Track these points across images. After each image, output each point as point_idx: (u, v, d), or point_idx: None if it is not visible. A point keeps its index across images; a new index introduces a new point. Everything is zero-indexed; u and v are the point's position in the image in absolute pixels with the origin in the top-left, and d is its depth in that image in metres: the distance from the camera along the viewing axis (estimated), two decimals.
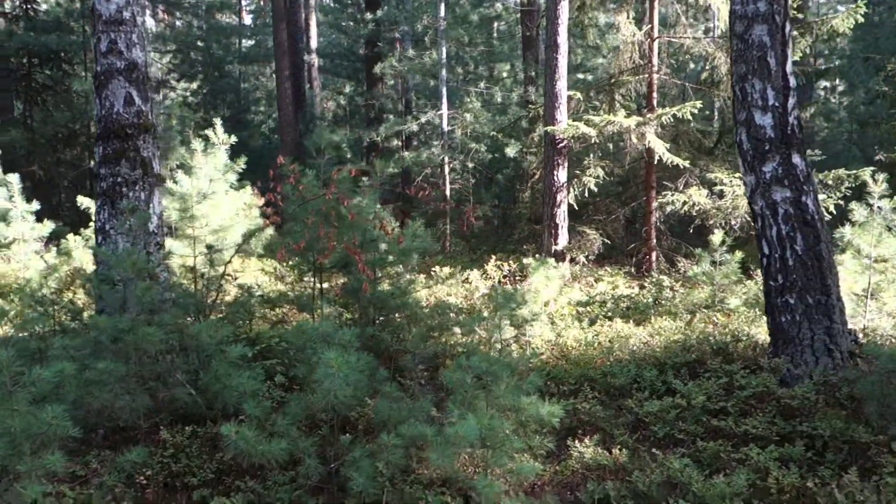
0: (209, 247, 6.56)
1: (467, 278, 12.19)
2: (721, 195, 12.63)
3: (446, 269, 12.54)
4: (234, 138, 13.26)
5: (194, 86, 23.57)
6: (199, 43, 24.18)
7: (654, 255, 13.80)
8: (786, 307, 6.34)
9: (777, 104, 6.22)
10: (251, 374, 5.44)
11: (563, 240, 13.08)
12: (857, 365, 5.98)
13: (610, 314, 9.76)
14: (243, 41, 28.93)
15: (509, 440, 4.95)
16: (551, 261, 9.12)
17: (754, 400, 5.97)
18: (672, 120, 12.45)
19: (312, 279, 7.33)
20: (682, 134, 14.11)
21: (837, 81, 21.74)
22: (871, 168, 12.67)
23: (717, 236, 9.20)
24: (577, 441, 5.56)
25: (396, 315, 7.39)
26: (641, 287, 12.11)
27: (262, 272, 8.63)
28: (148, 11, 23.89)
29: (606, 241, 13.51)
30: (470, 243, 16.95)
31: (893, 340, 7.47)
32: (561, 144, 12.87)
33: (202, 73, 22.87)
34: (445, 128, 15.64)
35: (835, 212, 11.79)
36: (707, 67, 14.26)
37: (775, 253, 6.34)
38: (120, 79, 6.12)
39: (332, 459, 5.16)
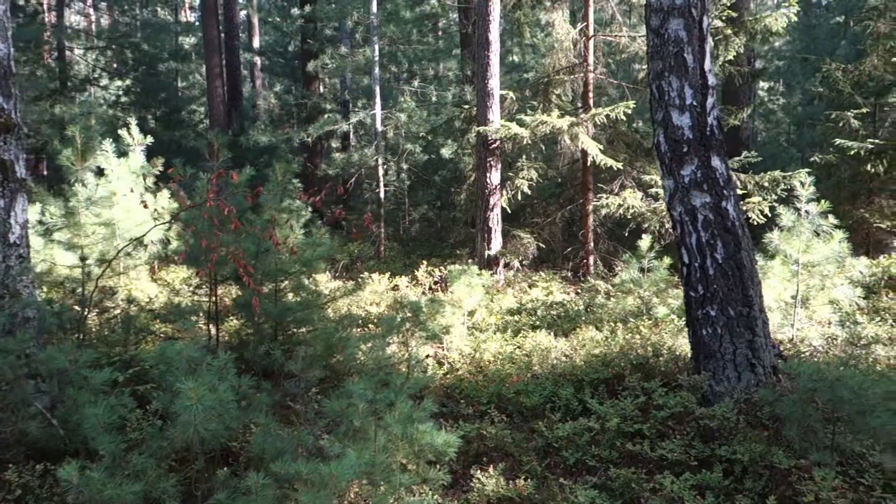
0: (82, 258, 5.93)
1: (395, 285, 11.68)
2: (656, 198, 12.33)
3: (376, 276, 12.01)
4: (150, 139, 12.57)
5: (125, 84, 22.61)
6: (132, 39, 23.22)
7: (591, 259, 13.45)
8: (706, 319, 5.96)
9: (695, 103, 5.84)
10: (116, 401, 4.86)
11: (496, 244, 12.64)
12: (780, 381, 5.63)
13: (538, 323, 9.34)
14: (185, 38, 27.99)
15: (395, 475, 4.46)
16: (474, 268, 8.64)
17: (672, 421, 5.58)
18: (606, 120, 12.10)
19: (208, 292, 6.74)
20: (619, 135, 13.78)
21: (776, 83, 21.75)
22: (807, 170, 12.52)
23: (644, 241, 8.84)
24: (481, 470, 5.10)
25: (301, 330, 6.85)
26: (577, 293, 11.75)
27: (158, 283, 8.00)
28: (75, 6, 22.87)
29: (541, 245, 13.11)
30: (406, 247, 16.44)
31: (821, 351, 7.18)
32: (493, 145, 12.43)
33: (134, 71, 21.91)
34: (379, 128, 15.08)
35: (770, 215, 11.58)
36: (644, 67, 13.98)
37: (695, 262, 5.96)
38: None
39: (201, 500, 4.61)
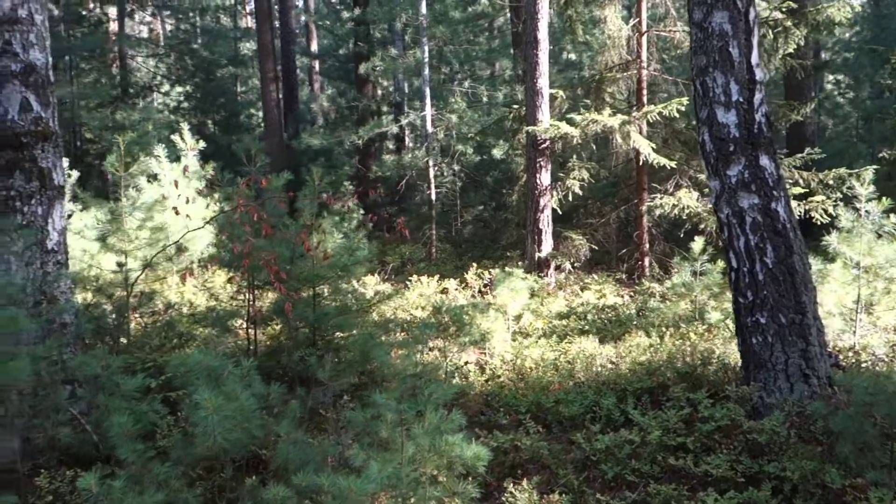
0: (119, 263, 5.99)
1: (445, 289, 11.57)
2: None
3: (424, 279, 11.93)
4: (202, 144, 12.76)
5: (185, 89, 23.13)
6: (193, 46, 23.74)
7: (646, 260, 13.10)
8: (756, 327, 5.66)
9: (742, 99, 5.55)
10: (148, 407, 4.88)
11: (547, 246, 12.41)
12: (836, 393, 5.29)
13: (587, 328, 9.10)
14: (243, 44, 28.48)
15: (422, 488, 4.34)
16: (518, 271, 8.47)
17: (719, 434, 5.30)
18: (660, 118, 11.75)
19: (247, 297, 6.74)
20: (674, 133, 13.38)
21: (844, 76, 20.81)
22: (875, 166, 11.92)
23: (697, 243, 8.51)
24: (514, 483, 4.94)
25: (340, 335, 6.79)
26: (630, 296, 11.44)
27: (198, 288, 8.07)
28: (137, 17, 23.51)
29: (594, 246, 12.81)
30: (458, 249, 16.32)
31: (884, 360, 6.78)
32: (543, 145, 12.21)
33: (193, 77, 22.38)
34: (429, 129, 14.99)
35: (834, 214, 11.05)
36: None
37: (744, 266, 5.67)
38: (15, 83, 5.55)
39: None
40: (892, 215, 7.03)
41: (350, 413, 4.33)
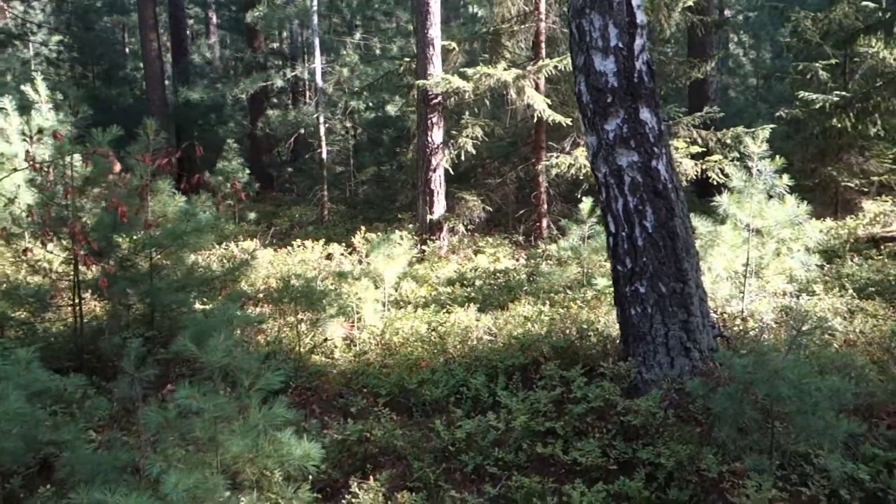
0: None
1: (329, 254, 10.83)
2: None
3: (309, 243, 11.14)
4: (59, 95, 11.51)
5: (63, 40, 21.25)
6: None
7: (544, 222, 12.66)
8: (635, 297, 5.17)
9: (621, 45, 4.96)
10: None
11: (439, 207, 11.78)
12: (716, 368, 4.86)
13: (474, 295, 8.54)
14: None
15: (240, 499, 3.66)
16: (395, 235, 7.78)
17: (592, 416, 4.80)
18: (557, 72, 11.19)
19: (74, 270, 5.83)
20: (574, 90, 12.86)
21: (745, 35, 20.77)
22: (772, 125, 11.73)
23: (585, 204, 8.01)
24: (365, 478, 4.32)
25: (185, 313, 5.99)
26: (525, 260, 10.96)
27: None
28: None
29: (488, 208, 12.26)
30: (354, 211, 15.54)
31: (774, 326, 6.44)
32: (434, 101, 11.50)
33: (69, 25, 20.57)
34: (319, 83, 14.04)
35: (729, 174, 10.79)
36: None
37: (622, 231, 5.15)
38: None
39: None
40: (784, 175, 6.66)
41: (149, 411, 3.58)
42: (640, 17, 5.02)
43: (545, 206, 12.67)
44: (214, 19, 27.63)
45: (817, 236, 6.90)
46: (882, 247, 10.24)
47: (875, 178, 12.90)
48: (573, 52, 5.20)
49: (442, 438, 4.62)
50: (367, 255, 9.22)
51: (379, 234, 8.35)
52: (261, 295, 8.24)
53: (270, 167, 18.82)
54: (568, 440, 4.64)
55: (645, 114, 5.01)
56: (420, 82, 11.20)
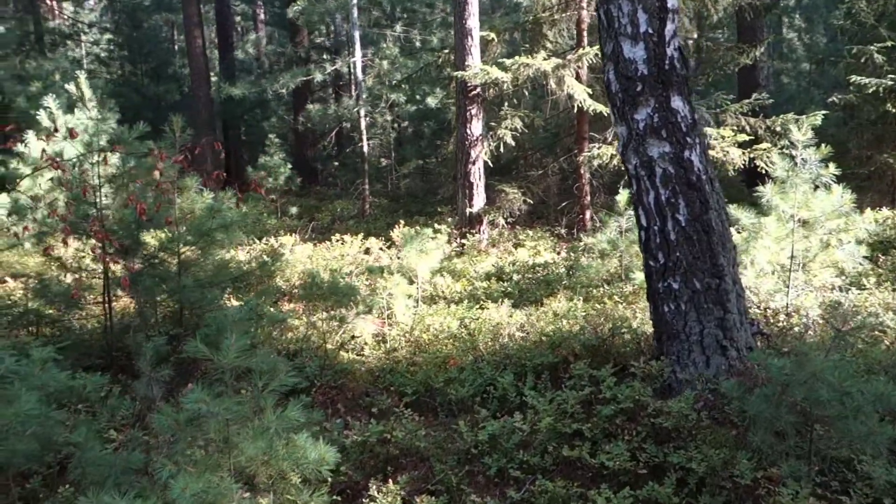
0: None
1: (367, 248, 10.79)
2: None
3: (348, 237, 11.12)
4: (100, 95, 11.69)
5: (113, 39, 21.68)
6: None
7: (587, 214, 12.41)
8: (669, 293, 4.96)
9: (651, 31, 4.75)
10: None
11: (479, 200, 11.63)
12: (753, 368, 4.64)
13: (511, 290, 8.40)
14: None
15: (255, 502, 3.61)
16: (428, 230, 7.66)
17: (622, 418, 4.62)
18: (597, 61, 10.92)
19: (103, 267, 5.87)
20: None
21: (797, 18, 20.02)
22: (824, 112, 11.27)
23: (623, 196, 7.78)
24: (385, 480, 4.23)
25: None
26: (566, 253, 10.75)
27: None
28: None
29: (528, 200, 12.05)
30: (397, 204, 15.49)
31: (819, 323, 6.15)
32: (473, 92, 11.35)
33: (118, 24, 20.97)
34: (359, 76, 14.00)
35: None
36: None
37: (654, 225, 4.94)
38: None
39: None
40: (830, 164, 6.35)
41: (160, 414, 3.55)
42: (672, 2, 4.80)
43: (588, 198, 12.42)
44: (262, 15, 27.91)
45: (868, 227, 6.55)
46: None
47: None
48: (602, 39, 5.01)
49: (465, 440, 4.51)
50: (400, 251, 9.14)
51: (418, 227, 8.23)
52: (295, 291, 8.23)
53: (315, 161, 18.90)
54: (596, 443, 4.48)
55: (677, 102, 4.79)
56: (458, 73, 11.06)
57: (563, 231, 12.48)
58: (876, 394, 3.58)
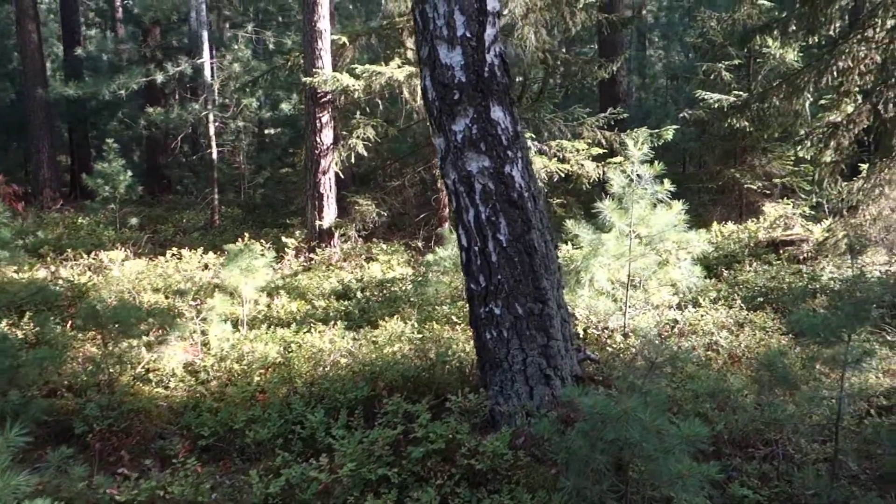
0: None
1: (206, 264, 10.00)
2: None
3: (187, 252, 10.30)
4: None
5: None
6: None
7: (446, 226, 12.04)
8: (490, 319, 4.59)
9: (469, 34, 4.37)
10: None
11: (330, 213, 11.06)
12: (563, 407, 4.31)
13: (350, 309, 7.89)
14: None
15: None
16: (256, 246, 7.04)
17: (435, 459, 4.18)
18: None
19: None
20: None
21: (655, 35, 20.63)
22: (674, 126, 11.42)
23: None
24: None
25: None
26: (415, 268, 10.34)
27: None
28: None
29: (383, 213, 11.58)
30: (251, 215, 14.68)
31: (655, 344, 5.95)
32: (324, 99, 10.79)
33: None
34: (207, 79, 13.13)
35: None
36: (505, 12, 12.50)
37: (475, 245, 4.56)
38: None
39: None
40: (665, 181, 6.20)
41: None
42: (492, 4, 4.43)
43: (447, 210, 12.08)
44: (121, 13, 26.22)
45: (701, 246, 6.46)
46: (781, 251, 10.01)
47: (777, 181, 12.76)
48: (417, 42, 4.59)
49: (255, 492, 3.93)
50: (282, 259, 8.51)
51: (245, 243, 7.58)
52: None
53: (167, 168, 17.75)
54: (404, 489, 4.02)
55: (497, 113, 4.43)
56: (307, 79, 10.47)
57: (420, 244, 12.09)
58: (683, 435, 3.29)
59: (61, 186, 17.67)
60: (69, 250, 10.76)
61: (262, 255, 6.94)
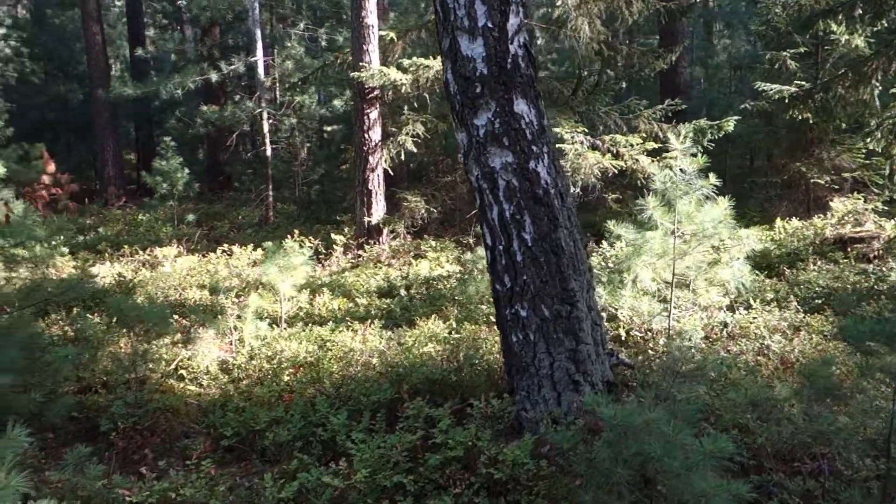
0: None
1: (256, 261, 10.07)
2: (561, 153, 10.69)
3: (238, 248, 10.40)
4: None
5: (14, 34, 20.42)
6: None
7: None
8: (516, 321, 4.40)
9: (491, 25, 4.18)
10: None
11: (379, 209, 11.00)
12: (591, 415, 4.09)
13: (393, 307, 7.79)
14: None
15: None
16: (293, 243, 6.99)
17: (455, 467, 4.03)
18: None
19: None
20: None
21: (719, 24, 19.87)
22: (736, 118, 10.95)
23: None
24: None
25: None
26: (465, 265, 10.18)
27: None
28: None
29: (433, 209, 11.45)
30: (306, 212, 14.77)
31: (703, 348, 5.67)
32: (371, 95, 10.72)
33: (16, 17, 19.76)
34: (261, 77, 13.25)
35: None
36: (558, 4, 12.21)
37: (499, 244, 4.38)
38: None
39: None
40: (711, 175, 5.88)
41: None
42: None
43: None
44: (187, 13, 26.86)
45: (751, 243, 6.11)
46: (849, 249, 9.46)
47: (847, 175, 12.10)
48: (439, 34, 4.43)
49: (267, 497, 3.85)
50: (319, 259, 8.51)
51: (285, 240, 7.56)
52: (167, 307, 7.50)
53: (226, 165, 18.04)
54: (420, 497, 3.88)
55: (521, 106, 4.24)
56: (354, 74, 10.42)
57: (472, 241, 11.91)
58: (707, 449, 3.04)
59: (127, 184, 18.16)
60: (125, 246, 11.01)
61: (302, 252, 6.89)
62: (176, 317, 6.53)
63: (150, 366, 5.34)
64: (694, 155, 5.75)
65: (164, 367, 5.50)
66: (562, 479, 3.92)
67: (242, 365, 5.74)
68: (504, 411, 4.34)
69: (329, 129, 15.16)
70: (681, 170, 5.74)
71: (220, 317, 6.42)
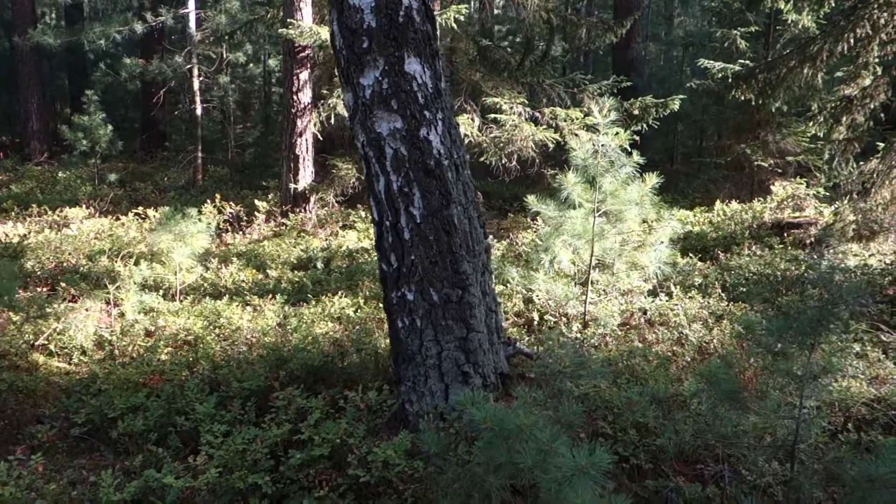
0: None
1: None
2: (499, 123, 10.26)
3: (151, 212, 9.79)
4: None
5: None
6: None
7: None
8: (403, 305, 3.98)
9: None
10: None
11: (306, 176, 10.46)
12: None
13: (304, 280, 7.33)
14: None
15: None
16: (192, 210, 6.46)
17: (323, 465, 3.61)
18: (455, 26, 9.85)
19: None
20: (481, 49, 11.63)
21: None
22: (681, 96, 10.61)
23: None
24: None
25: None
26: None
27: None
28: None
29: (362, 177, 10.93)
30: (238, 176, 14.12)
31: (618, 336, 5.33)
32: (301, 54, 10.12)
33: None
34: (193, 30, 12.50)
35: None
36: None
37: (386, 219, 3.93)
38: None
39: None
40: (635, 153, 5.51)
41: None
42: None
43: None
44: None
45: (672, 225, 5.77)
46: (787, 234, 9.25)
47: (791, 159, 11.90)
48: None
49: (99, 499, 3.39)
50: (240, 225, 7.97)
51: (164, 209, 6.98)
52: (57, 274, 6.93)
53: (162, 124, 17.22)
54: (281, 500, 3.47)
55: (413, 65, 3.77)
56: (283, 31, 9.78)
57: None
58: (577, 465, 2.66)
59: (55, 139, 17.23)
60: (34, 206, 10.31)
61: (199, 219, 6.36)
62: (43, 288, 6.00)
63: (6, 338, 4.80)
64: (617, 133, 5.35)
65: (25, 341, 4.96)
66: (439, 481, 3.54)
67: (115, 341, 5.23)
68: (385, 403, 3.92)
69: (272, 90, 14.47)
70: (602, 145, 5.34)
71: (109, 286, 5.87)
